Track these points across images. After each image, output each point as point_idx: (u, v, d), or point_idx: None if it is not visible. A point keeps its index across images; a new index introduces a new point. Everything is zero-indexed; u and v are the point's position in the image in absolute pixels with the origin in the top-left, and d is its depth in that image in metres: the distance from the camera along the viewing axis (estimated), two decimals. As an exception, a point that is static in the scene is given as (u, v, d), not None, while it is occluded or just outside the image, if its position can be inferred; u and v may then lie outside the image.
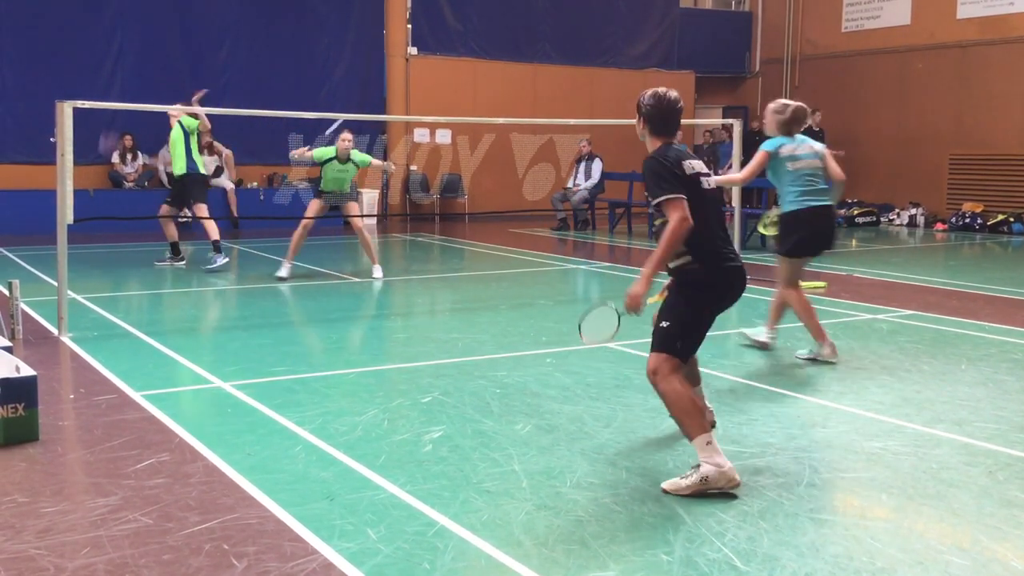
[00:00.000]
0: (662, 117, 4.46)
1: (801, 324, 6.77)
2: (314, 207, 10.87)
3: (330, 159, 10.67)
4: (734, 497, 4.01)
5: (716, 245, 4.35)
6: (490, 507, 3.91)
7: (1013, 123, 17.41)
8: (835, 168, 6.72)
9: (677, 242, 4.17)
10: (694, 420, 4.14)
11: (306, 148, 11.03)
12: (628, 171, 16.93)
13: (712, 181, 4.50)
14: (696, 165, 4.41)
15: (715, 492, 4.03)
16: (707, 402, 4.93)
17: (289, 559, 3.40)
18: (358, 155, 10.84)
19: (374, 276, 10.71)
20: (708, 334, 4.41)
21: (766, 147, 6.59)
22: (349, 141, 10.75)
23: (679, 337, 4.30)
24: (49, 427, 4.88)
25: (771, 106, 6.72)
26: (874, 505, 4.05)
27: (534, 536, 3.63)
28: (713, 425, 4.68)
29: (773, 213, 7.67)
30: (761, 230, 8.70)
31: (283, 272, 10.54)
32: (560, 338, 7.38)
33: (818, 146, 6.72)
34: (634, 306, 4.20)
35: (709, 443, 4.10)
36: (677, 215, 4.16)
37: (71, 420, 5.10)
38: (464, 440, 4.78)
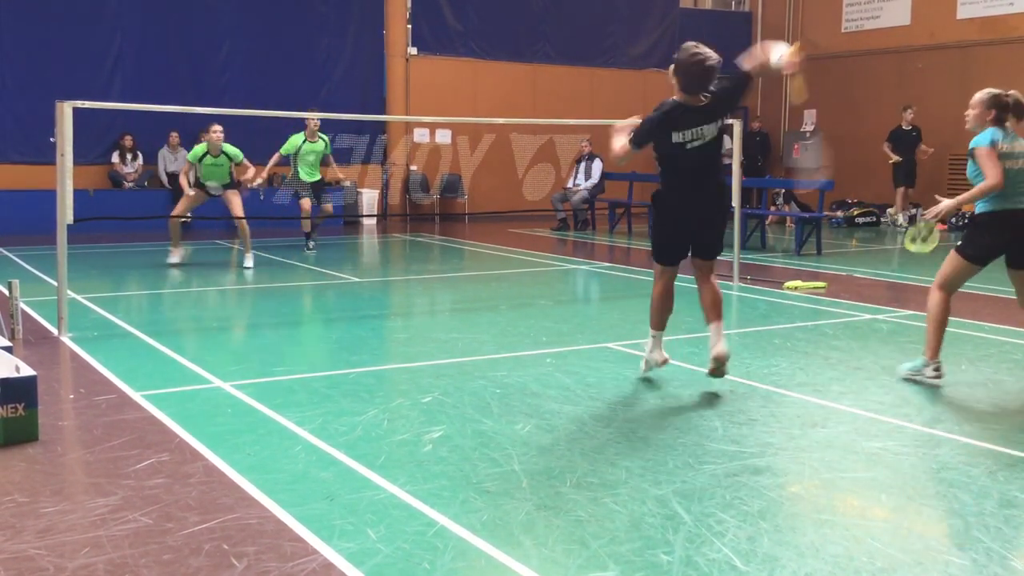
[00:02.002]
0: (686, 74, 5.72)
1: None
2: (188, 199, 11.39)
3: (204, 154, 11.25)
4: (734, 496, 4.01)
5: (674, 183, 5.80)
6: (490, 507, 3.90)
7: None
8: None
9: (613, 155, 5.72)
10: (654, 317, 5.88)
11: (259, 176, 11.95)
12: (628, 171, 16.91)
13: (695, 144, 5.65)
14: (684, 135, 5.66)
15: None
16: (722, 342, 5.75)
17: (289, 559, 3.40)
18: (230, 148, 11.40)
19: (245, 266, 11.29)
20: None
21: (983, 142, 5.87)
22: (218, 134, 11.27)
23: (654, 248, 6.00)
24: (49, 427, 4.87)
25: (979, 96, 5.99)
26: (874, 505, 4.05)
27: (534, 536, 3.63)
28: (725, 362, 5.76)
29: (923, 225, 6.45)
30: (908, 245, 6.58)
31: (174, 259, 11.27)
32: (560, 338, 7.38)
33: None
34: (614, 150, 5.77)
35: (654, 336, 5.87)
36: (620, 149, 5.68)
37: (71, 420, 5.10)
38: (464, 440, 4.78)
